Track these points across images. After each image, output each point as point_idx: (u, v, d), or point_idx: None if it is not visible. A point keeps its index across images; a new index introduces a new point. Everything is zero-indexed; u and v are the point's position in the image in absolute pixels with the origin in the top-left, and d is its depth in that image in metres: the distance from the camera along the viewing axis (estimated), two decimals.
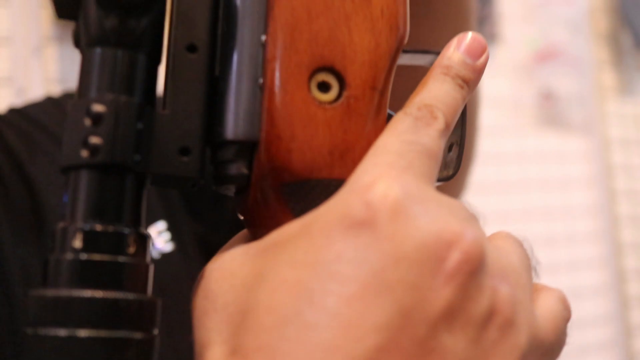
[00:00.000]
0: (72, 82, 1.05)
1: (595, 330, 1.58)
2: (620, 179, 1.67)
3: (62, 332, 0.22)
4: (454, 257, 0.22)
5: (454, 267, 0.22)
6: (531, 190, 1.52)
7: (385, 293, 0.21)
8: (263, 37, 0.26)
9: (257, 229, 0.27)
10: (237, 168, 0.26)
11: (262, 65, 0.26)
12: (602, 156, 1.65)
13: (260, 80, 0.26)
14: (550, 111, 1.59)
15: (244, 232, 0.28)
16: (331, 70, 0.26)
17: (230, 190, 0.27)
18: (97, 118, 0.24)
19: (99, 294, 0.22)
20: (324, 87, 0.26)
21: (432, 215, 0.22)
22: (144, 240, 0.24)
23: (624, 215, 1.66)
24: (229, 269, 0.25)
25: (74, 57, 1.09)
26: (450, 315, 0.21)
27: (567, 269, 1.56)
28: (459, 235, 0.22)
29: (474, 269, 0.22)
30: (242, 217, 0.28)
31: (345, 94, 0.26)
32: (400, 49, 0.28)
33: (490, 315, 0.22)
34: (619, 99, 1.73)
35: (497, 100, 1.45)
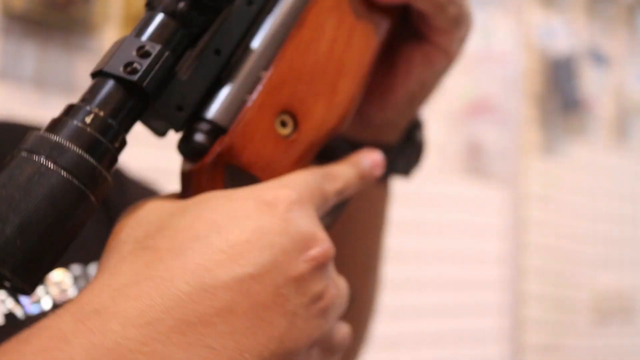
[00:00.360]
0: (13, 78, 1.05)
1: None
2: (533, 232, 1.76)
3: (52, 166, 0.30)
4: (317, 249, 0.33)
5: (314, 255, 0.33)
6: (447, 234, 1.58)
7: (269, 247, 0.32)
8: (262, 72, 0.38)
9: (189, 191, 0.37)
10: (204, 139, 0.36)
11: (253, 87, 0.37)
12: (518, 209, 1.73)
13: (247, 96, 0.37)
14: (475, 161, 1.66)
15: (167, 193, 0.38)
16: (293, 117, 0.39)
17: (185, 153, 0.38)
18: (145, 54, 0.34)
19: (88, 157, 0.31)
20: (283, 124, 0.38)
21: (313, 222, 0.34)
22: (124, 144, 0.34)
23: (531, 267, 1.75)
24: (157, 204, 0.34)
25: (19, 52, 1.10)
26: (298, 282, 0.32)
27: (472, 312, 1.63)
28: (324, 240, 0.34)
29: (323, 264, 0.33)
30: (181, 177, 0.38)
31: (293, 136, 0.39)
32: (336, 132, 0.41)
33: (319, 297, 0.33)
34: (541, 156, 1.82)
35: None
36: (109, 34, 1.06)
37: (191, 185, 0.37)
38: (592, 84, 1.93)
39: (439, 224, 1.55)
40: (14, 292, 0.32)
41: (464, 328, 1.59)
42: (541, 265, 1.78)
